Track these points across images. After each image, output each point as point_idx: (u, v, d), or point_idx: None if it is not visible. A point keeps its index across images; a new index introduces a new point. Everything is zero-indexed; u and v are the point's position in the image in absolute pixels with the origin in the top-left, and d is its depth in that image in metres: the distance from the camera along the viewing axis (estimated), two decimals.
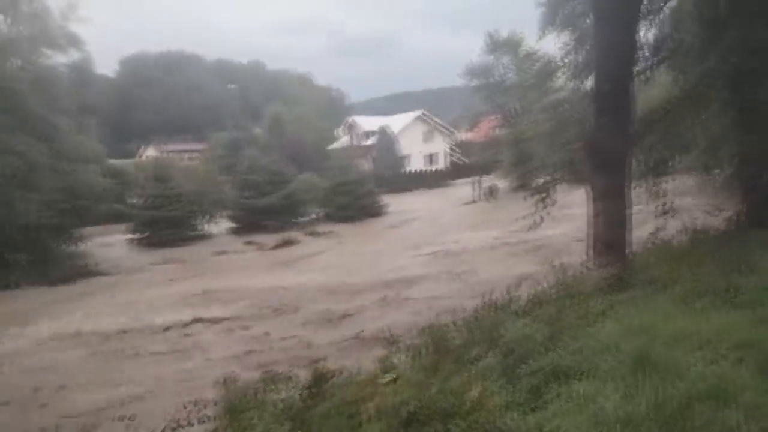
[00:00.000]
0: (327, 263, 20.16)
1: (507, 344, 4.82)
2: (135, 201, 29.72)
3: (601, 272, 7.23)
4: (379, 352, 6.73)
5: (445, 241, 21.53)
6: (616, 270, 7.10)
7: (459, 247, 20.25)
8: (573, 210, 17.21)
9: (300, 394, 5.35)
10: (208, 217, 28.52)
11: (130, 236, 27.17)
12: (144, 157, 56.57)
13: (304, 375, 6.82)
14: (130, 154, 58.06)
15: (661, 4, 11.24)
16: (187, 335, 12.39)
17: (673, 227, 11.11)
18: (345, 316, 12.71)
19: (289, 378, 6.79)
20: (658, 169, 11.08)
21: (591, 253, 7.66)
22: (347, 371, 7.72)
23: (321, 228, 29.01)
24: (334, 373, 7.05)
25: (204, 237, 28.06)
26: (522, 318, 6.35)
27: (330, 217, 31.50)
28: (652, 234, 10.73)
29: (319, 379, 7.03)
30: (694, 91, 10.73)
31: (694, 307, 5.68)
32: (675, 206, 11.34)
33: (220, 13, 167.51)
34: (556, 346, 4.80)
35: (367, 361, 7.30)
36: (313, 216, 31.86)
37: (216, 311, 14.04)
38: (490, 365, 4.37)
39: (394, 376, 4.50)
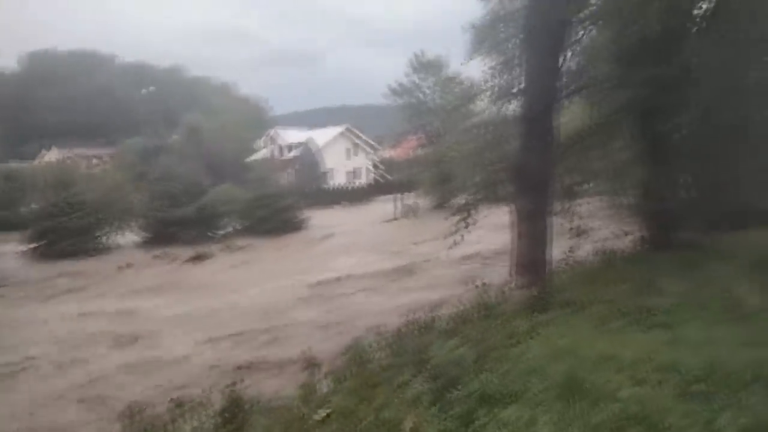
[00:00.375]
0: (237, 280, 19.29)
1: (435, 367, 4.69)
2: (32, 208, 27.27)
3: (523, 292, 7.35)
4: (301, 376, 6.44)
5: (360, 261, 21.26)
6: (537, 290, 7.24)
7: (376, 265, 20.04)
8: (490, 230, 17.61)
9: (215, 424, 4.94)
10: (115, 227, 26.63)
11: (24, 247, 24.83)
12: (44, 161, 52.42)
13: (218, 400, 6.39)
14: (28, 157, 53.60)
15: (582, 34, 11.86)
16: None
17: (585, 248, 11.63)
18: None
19: (202, 404, 6.32)
20: (573, 193, 11.57)
21: (513, 272, 7.78)
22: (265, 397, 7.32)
23: (239, 242, 28.02)
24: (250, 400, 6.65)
25: (110, 249, 26.17)
26: (448, 338, 6.29)
27: (249, 231, 30.52)
28: (566, 255, 11.16)
29: (235, 405, 6.60)
30: (607, 121, 11.36)
31: (611, 328, 5.87)
32: (586, 228, 11.91)
33: (141, 15, 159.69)
34: (483, 369, 4.75)
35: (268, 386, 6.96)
36: (231, 229, 30.76)
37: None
38: (420, 391, 4.21)
39: (329, 411, 4.22)
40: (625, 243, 12.67)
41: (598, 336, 5.41)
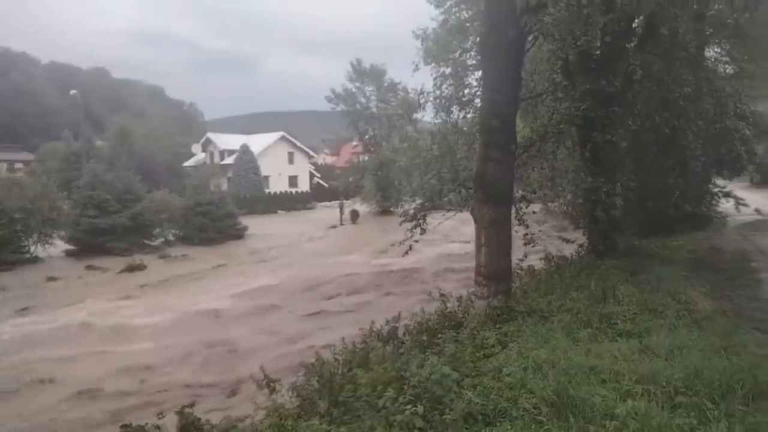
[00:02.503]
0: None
1: (417, 387, 4.54)
2: None
3: (488, 302, 7.35)
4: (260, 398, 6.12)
5: (306, 271, 20.84)
6: (501, 300, 7.27)
7: (330, 272, 19.80)
8: (438, 236, 17.73)
9: None
10: (38, 237, 24.70)
11: None
12: None
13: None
14: None
15: (530, 47, 12.18)
16: None
17: (534, 256, 11.89)
18: None
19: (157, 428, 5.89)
20: (522, 201, 11.81)
21: (477, 281, 7.78)
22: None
23: (175, 251, 26.84)
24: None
25: (35, 260, 24.25)
26: (420, 352, 6.18)
27: (186, 240, 29.32)
28: (519, 262, 11.37)
29: (189, 428, 6.19)
30: (553, 131, 11.70)
31: (580, 337, 5.95)
32: (536, 234, 12.20)
33: (65, 16, 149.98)
34: (464, 386, 4.66)
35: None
36: (167, 238, 29.40)
37: None
38: (410, 415, 4.04)
39: None
40: (570, 249, 13.08)
41: (571, 346, 5.46)
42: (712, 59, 14.25)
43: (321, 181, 58.48)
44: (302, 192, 53.77)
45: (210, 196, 30.68)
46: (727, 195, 13.38)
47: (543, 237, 14.16)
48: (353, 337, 7.82)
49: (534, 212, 12.32)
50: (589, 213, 13.03)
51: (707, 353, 5.04)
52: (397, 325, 8.34)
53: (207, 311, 15.26)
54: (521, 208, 11.57)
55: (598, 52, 11.67)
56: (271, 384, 6.40)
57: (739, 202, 12.74)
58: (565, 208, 17.26)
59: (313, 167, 59.32)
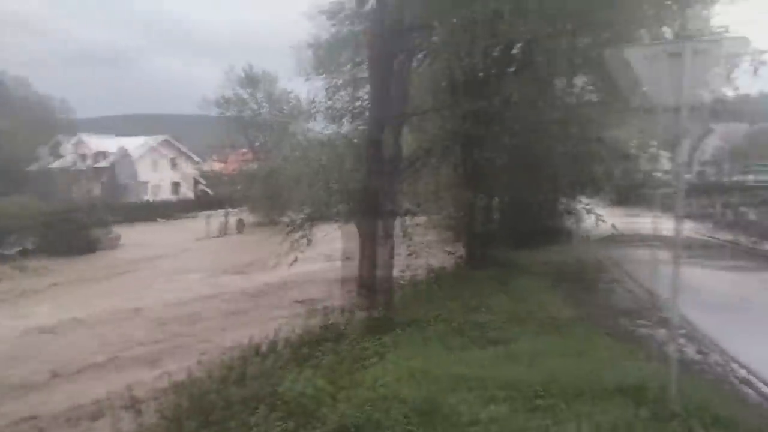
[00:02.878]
0: None
1: (290, 402, 4.42)
2: None
3: (367, 314, 7.40)
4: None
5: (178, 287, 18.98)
6: (381, 311, 7.35)
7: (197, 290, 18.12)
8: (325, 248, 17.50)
9: None
10: None
11: None
12: None
13: None
14: None
15: (416, 67, 12.58)
16: None
17: (415, 267, 12.20)
18: None
19: None
20: (406, 213, 12.10)
21: (358, 293, 7.81)
22: None
23: (32, 263, 24.15)
24: None
25: None
26: (295, 366, 6.05)
27: (46, 250, 26.49)
28: (401, 274, 11.61)
29: None
30: (436, 147, 12.16)
31: (453, 346, 6.16)
32: (418, 246, 12.54)
33: None
34: (338, 399, 4.62)
35: None
36: (23, 247, 26.39)
37: None
38: None
39: None
40: (450, 261, 13.61)
41: (444, 355, 5.63)
42: (580, 88, 15.65)
43: (207, 189, 55.95)
44: (185, 199, 51.04)
45: (74, 203, 28.13)
46: (589, 212, 14.68)
47: (427, 249, 14.62)
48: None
49: (418, 225, 12.65)
50: (468, 226, 13.69)
51: (564, 358, 5.43)
52: (276, 339, 8.12)
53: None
54: (406, 221, 11.86)
55: (481, 74, 12.32)
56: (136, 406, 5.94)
57: (598, 219, 14.00)
58: (448, 221, 18.01)
59: (198, 174, 56.62)
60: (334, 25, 10.20)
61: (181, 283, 18.18)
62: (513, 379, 4.58)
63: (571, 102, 12.50)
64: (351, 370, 5.73)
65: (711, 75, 4.08)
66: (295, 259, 11.56)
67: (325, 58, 11.09)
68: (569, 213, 16.83)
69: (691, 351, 7.11)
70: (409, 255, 11.72)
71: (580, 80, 15.39)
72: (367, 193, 7.36)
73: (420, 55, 11.68)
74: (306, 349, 7.07)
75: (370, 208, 7.37)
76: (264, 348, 7.77)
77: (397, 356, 5.77)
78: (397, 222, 11.91)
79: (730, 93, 12.89)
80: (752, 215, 23.63)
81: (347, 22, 10.23)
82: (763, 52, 11.21)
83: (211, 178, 58.58)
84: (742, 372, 6.21)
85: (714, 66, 3.98)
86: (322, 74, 11.68)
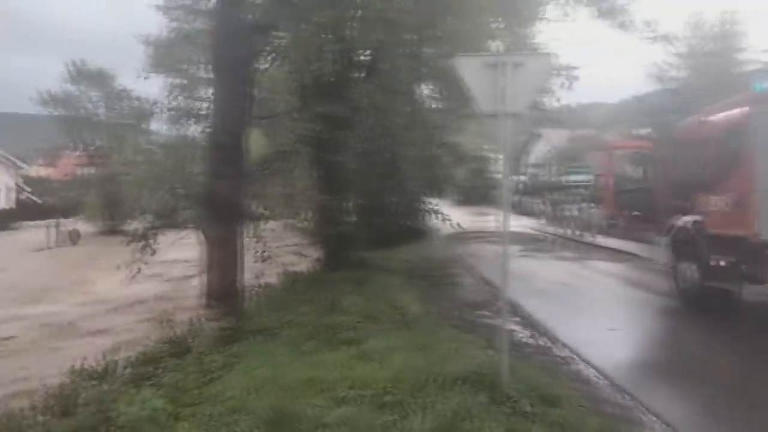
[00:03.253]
0: None
1: (124, 427, 4.04)
2: None
3: (217, 324, 7.06)
4: None
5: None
6: (232, 320, 7.06)
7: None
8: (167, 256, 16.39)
9: None
10: None
11: None
12: None
13: None
14: None
15: (263, 69, 12.31)
16: None
17: (271, 272, 11.96)
18: None
19: None
20: (259, 217, 11.80)
21: (204, 303, 7.42)
22: None
23: None
24: None
25: None
26: (137, 387, 5.56)
27: None
28: (255, 280, 11.30)
29: None
30: (288, 150, 12.03)
31: (305, 350, 6.10)
32: (272, 252, 12.30)
33: None
34: (180, 418, 4.33)
35: None
36: None
37: None
38: None
39: None
40: (307, 264, 13.54)
41: (294, 360, 5.55)
42: (426, 96, 16.51)
43: (32, 197, 49.57)
44: (3, 209, 44.71)
45: None
46: (435, 212, 15.56)
47: (282, 253, 14.39)
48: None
49: (273, 230, 12.40)
50: (323, 229, 13.73)
51: (413, 352, 5.66)
52: (116, 358, 7.41)
53: None
54: (258, 226, 11.56)
55: (331, 79, 12.43)
56: None
57: (444, 218, 14.91)
58: (305, 224, 17.92)
59: (22, 180, 49.95)
60: (172, 21, 9.58)
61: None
62: (363, 378, 4.65)
63: (416, 108, 13.13)
64: (198, 385, 5.42)
65: (529, 85, 4.50)
66: (138, 271, 10.70)
67: (163, 56, 10.39)
68: (421, 213, 17.68)
69: (524, 336, 7.84)
70: (264, 261, 11.43)
71: (426, 88, 16.31)
72: (212, 199, 7.02)
73: (269, 57, 11.50)
74: (149, 367, 6.55)
75: (216, 213, 7.04)
76: (100, 370, 7.06)
77: (246, 366, 5.57)
78: (251, 227, 11.61)
79: (554, 103, 14.58)
80: (574, 211, 26.80)
81: (189, 19, 9.68)
82: (574, 68, 12.85)
83: (38, 184, 52.13)
84: (566, 352, 6.99)
85: (531, 77, 4.42)
86: (162, 73, 10.96)
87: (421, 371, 4.77)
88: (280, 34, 8.09)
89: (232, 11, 6.14)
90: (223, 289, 7.20)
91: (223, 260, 7.14)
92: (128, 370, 7.05)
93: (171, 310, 11.10)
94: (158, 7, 10.69)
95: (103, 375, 6.88)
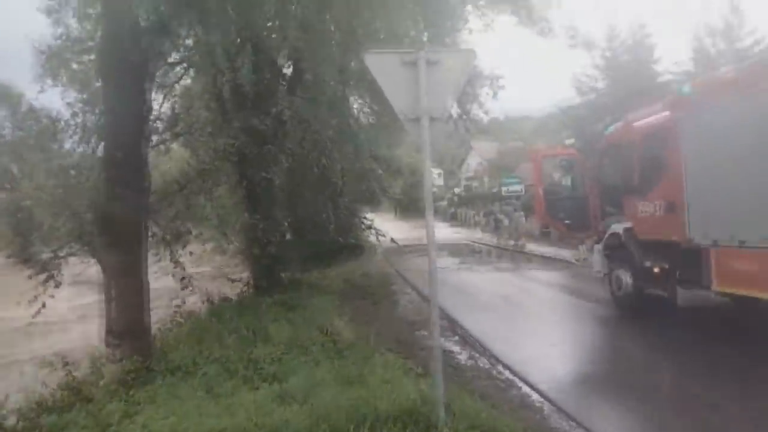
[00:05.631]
0: None
1: None
2: None
3: (120, 366, 6.19)
4: None
5: None
6: (138, 360, 6.20)
7: None
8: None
9: None
10: None
11: None
12: None
13: None
14: None
15: (174, 81, 11.46)
16: None
17: (195, 298, 11.04)
18: None
19: None
20: (178, 242, 10.89)
21: (107, 341, 6.51)
22: None
23: None
24: None
25: None
26: None
27: None
28: (175, 309, 10.36)
29: None
30: (209, 167, 11.19)
31: (222, 392, 5.38)
32: (197, 276, 11.39)
33: None
34: None
35: None
36: None
37: None
38: None
39: None
40: (235, 288, 12.67)
41: (206, 406, 4.83)
42: (356, 108, 16.05)
43: None
44: None
45: None
46: (369, 227, 15.06)
47: (208, 278, 13.44)
48: None
49: (192, 253, 11.43)
50: (251, 250, 12.92)
51: (341, 387, 5.06)
52: (4, 411, 6.37)
53: None
54: (176, 251, 10.65)
55: (250, 90, 11.74)
56: None
57: (378, 233, 14.42)
58: (233, 246, 16.94)
59: None
60: (53, 24, 8.58)
61: None
62: (280, 424, 4.01)
63: (344, 121, 12.63)
64: None
65: (449, 84, 4.07)
66: (43, 305, 9.54)
67: (56, 66, 9.36)
68: (353, 229, 17.12)
69: (464, 357, 7.40)
70: (184, 288, 10.51)
71: (355, 102, 15.87)
72: (105, 222, 6.18)
73: (178, 67, 10.67)
74: (54, 416, 5.61)
75: (112, 239, 6.20)
76: None
77: (149, 417, 4.79)
78: (168, 251, 10.66)
79: (481, 114, 14.48)
80: (506, 221, 27.10)
81: (73, 20, 8.69)
82: (499, 77, 12.79)
83: None
84: (506, 374, 6.58)
85: (451, 75, 3.99)
86: (59, 85, 9.90)
87: (348, 411, 4.18)
88: (182, 37, 7.33)
89: (118, 9, 5.39)
90: (127, 325, 6.32)
91: (124, 293, 6.28)
92: (21, 423, 6.07)
93: (73, 349, 10.00)
94: (40, 10, 9.58)
95: None
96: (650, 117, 8.97)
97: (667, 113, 8.37)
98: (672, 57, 46.20)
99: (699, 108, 7.48)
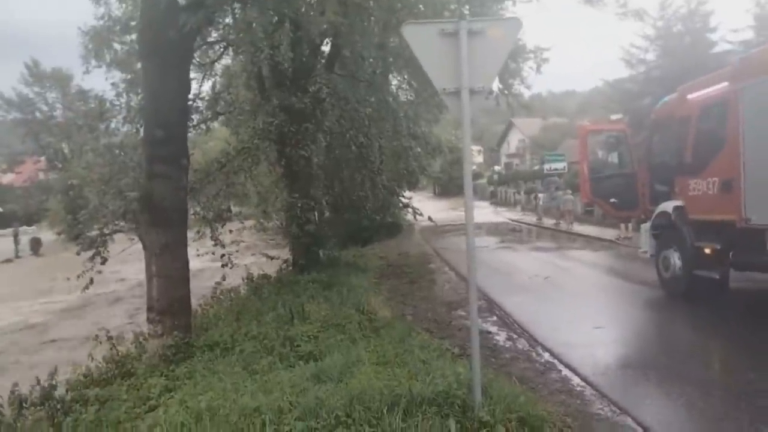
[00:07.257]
0: None
1: None
2: None
3: (161, 341, 6.33)
4: None
5: None
6: (178, 336, 6.34)
7: None
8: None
9: None
10: None
11: None
12: None
13: None
14: None
15: (214, 60, 11.49)
16: None
17: (236, 275, 11.21)
18: None
19: None
20: (219, 220, 11.05)
21: (149, 318, 6.67)
22: None
23: None
24: None
25: None
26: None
27: None
28: (215, 286, 10.57)
29: None
30: (248, 146, 11.27)
31: (258, 369, 5.43)
32: (237, 254, 11.55)
33: None
34: None
35: None
36: None
37: None
38: None
39: None
40: (274, 267, 12.82)
41: (243, 383, 4.87)
42: (395, 86, 15.81)
43: None
44: None
45: None
46: (406, 206, 14.91)
47: (247, 255, 13.62)
48: None
49: (232, 231, 11.58)
50: (291, 228, 13.00)
51: (377, 367, 5.02)
52: (54, 382, 6.63)
53: None
54: (217, 228, 10.80)
55: (289, 68, 11.68)
56: None
57: (415, 212, 14.26)
58: (274, 224, 17.14)
59: None
60: (98, 3, 8.68)
61: None
62: (314, 405, 3.99)
63: (382, 98, 12.45)
64: (131, 416, 4.73)
65: (493, 56, 3.87)
66: (91, 281, 9.89)
67: (98, 45, 9.52)
68: (392, 207, 17.02)
69: (502, 338, 7.25)
70: (224, 266, 10.69)
71: (394, 79, 15.62)
72: (148, 200, 6.27)
73: (217, 47, 10.68)
74: (99, 388, 5.82)
75: (153, 217, 6.29)
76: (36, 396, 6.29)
77: (188, 392, 4.88)
78: (209, 229, 10.84)
79: (523, 90, 14.01)
80: (549, 200, 26.45)
81: (120, 1, 8.79)
82: (544, 49, 12.26)
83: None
84: (546, 356, 6.41)
85: (495, 46, 3.79)
86: (103, 67, 10.09)
87: (384, 392, 4.13)
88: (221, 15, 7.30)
89: None
90: (167, 301, 6.44)
91: (167, 270, 6.39)
92: (71, 394, 6.33)
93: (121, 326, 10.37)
94: None
95: (40, 402, 6.14)
96: (706, 89, 8.46)
97: (725, 84, 7.87)
98: (730, 25, 43.46)
99: (760, 79, 6.99)
